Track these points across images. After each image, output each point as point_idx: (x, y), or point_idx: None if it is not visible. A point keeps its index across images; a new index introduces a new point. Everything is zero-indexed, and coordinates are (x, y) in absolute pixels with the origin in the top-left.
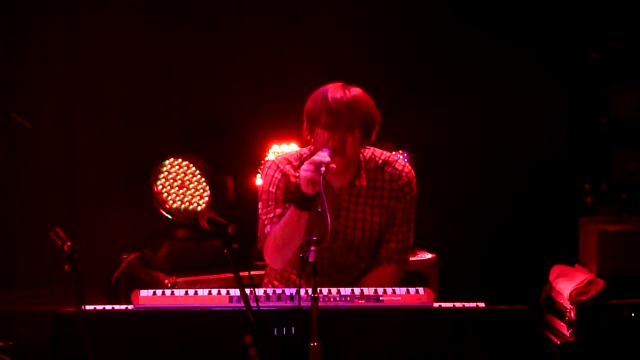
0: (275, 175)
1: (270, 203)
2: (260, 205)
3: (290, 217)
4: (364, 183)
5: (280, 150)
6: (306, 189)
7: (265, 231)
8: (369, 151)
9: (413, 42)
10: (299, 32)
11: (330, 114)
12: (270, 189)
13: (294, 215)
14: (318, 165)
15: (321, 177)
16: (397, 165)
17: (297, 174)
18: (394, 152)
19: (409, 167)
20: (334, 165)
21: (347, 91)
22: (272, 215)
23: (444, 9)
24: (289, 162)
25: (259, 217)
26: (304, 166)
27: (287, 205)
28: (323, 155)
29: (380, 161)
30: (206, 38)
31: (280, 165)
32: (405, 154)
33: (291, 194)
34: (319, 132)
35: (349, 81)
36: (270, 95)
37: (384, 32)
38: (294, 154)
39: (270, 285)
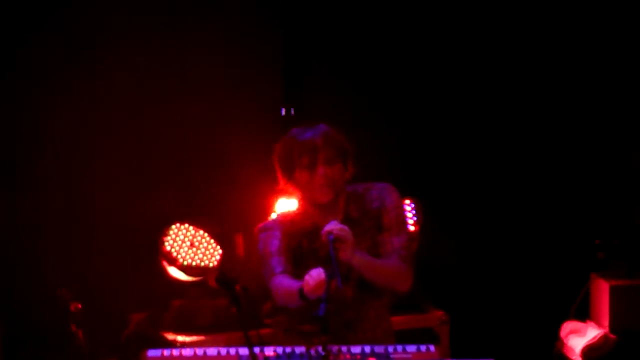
0: (274, 233)
1: (272, 255)
2: (263, 260)
3: (293, 295)
4: (355, 215)
5: (288, 203)
6: (310, 296)
7: (272, 272)
8: (351, 187)
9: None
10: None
11: (309, 152)
12: (272, 246)
13: (297, 298)
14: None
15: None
16: (377, 186)
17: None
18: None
19: (387, 184)
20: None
21: (316, 129)
22: (276, 258)
23: None
24: (282, 223)
25: (262, 266)
26: (312, 274)
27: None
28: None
29: (361, 190)
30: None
31: (275, 225)
32: (413, 204)
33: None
34: (300, 174)
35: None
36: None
37: None
38: (280, 215)
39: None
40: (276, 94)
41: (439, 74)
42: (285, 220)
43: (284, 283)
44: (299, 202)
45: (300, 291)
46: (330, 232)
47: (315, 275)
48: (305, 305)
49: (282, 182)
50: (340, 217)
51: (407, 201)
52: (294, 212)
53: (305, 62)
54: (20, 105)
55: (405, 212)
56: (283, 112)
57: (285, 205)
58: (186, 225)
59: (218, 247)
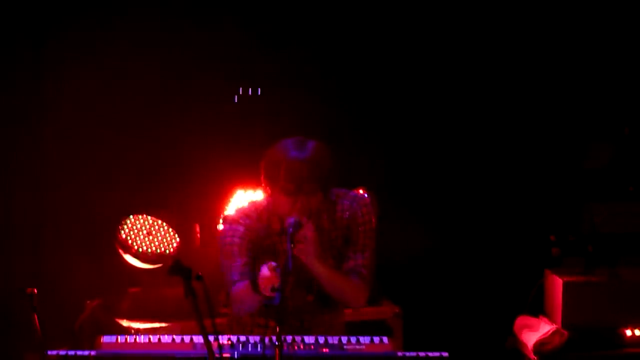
0: (236, 228)
1: (232, 257)
2: (223, 261)
3: (249, 293)
4: (325, 226)
5: (245, 195)
6: (266, 293)
7: (230, 280)
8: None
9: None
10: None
11: (292, 180)
12: (233, 241)
13: (254, 294)
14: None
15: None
16: (350, 196)
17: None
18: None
19: (364, 196)
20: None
21: (304, 151)
22: (236, 264)
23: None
24: (248, 216)
25: (223, 270)
26: (264, 271)
27: (249, 254)
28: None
29: (334, 198)
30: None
31: (240, 219)
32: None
33: (253, 282)
34: (280, 196)
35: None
36: (232, 141)
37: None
38: (250, 206)
39: (230, 329)
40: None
41: (396, 60)
42: (251, 213)
43: (240, 287)
44: (267, 197)
45: (254, 284)
46: (290, 224)
47: (267, 266)
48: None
49: (263, 187)
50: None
51: (361, 191)
52: (261, 205)
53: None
54: None
55: (374, 227)
56: (236, 99)
57: (243, 197)
58: (143, 214)
59: (175, 235)
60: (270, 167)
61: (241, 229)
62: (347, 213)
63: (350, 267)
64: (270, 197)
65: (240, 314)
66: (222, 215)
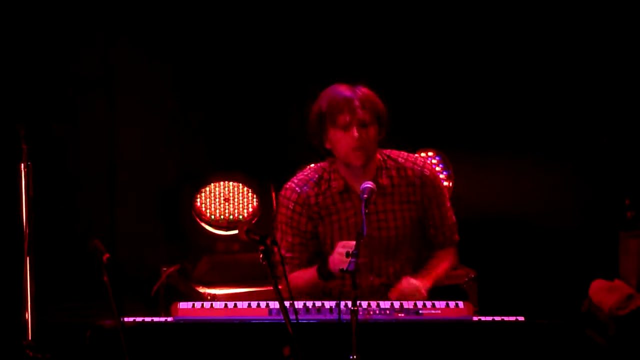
0: (296, 202)
1: (288, 231)
2: (277, 234)
3: (313, 280)
4: (386, 181)
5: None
6: (335, 271)
7: (285, 256)
8: (387, 152)
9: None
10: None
11: (346, 112)
12: (292, 216)
13: (318, 281)
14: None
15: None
16: (417, 162)
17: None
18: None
19: (429, 163)
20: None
21: (355, 89)
22: (291, 242)
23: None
24: (307, 182)
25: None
26: (338, 249)
27: (307, 234)
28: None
29: (400, 159)
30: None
31: (298, 189)
32: (439, 157)
33: (319, 266)
34: (335, 133)
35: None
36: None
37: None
38: (312, 174)
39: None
40: None
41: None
42: (311, 178)
43: (298, 277)
44: (330, 160)
45: (320, 272)
46: (364, 190)
47: (339, 247)
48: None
49: (314, 139)
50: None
51: (430, 154)
52: (323, 169)
53: None
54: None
55: (446, 192)
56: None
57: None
58: (219, 180)
59: (253, 199)
60: (319, 111)
61: (298, 207)
62: (417, 180)
63: (439, 241)
64: (326, 143)
65: (295, 293)
66: (281, 193)
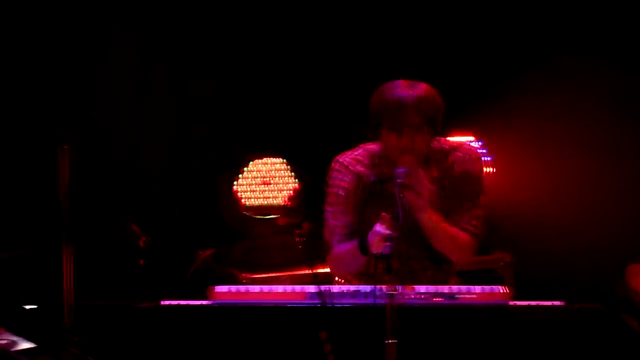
0: (344, 178)
1: (337, 207)
2: (327, 209)
3: (355, 254)
4: (435, 174)
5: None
6: (375, 251)
7: (331, 241)
8: (436, 141)
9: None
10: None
11: (398, 116)
12: (339, 192)
13: (360, 256)
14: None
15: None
16: (463, 149)
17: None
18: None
19: (475, 149)
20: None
21: (412, 89)
22: (339, 224)
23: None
24: (359, 162)
25: (324, 220)
26: (377, 228)
27: (355, 208)
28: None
29: (447, 148)
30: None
31: (349, 166)
32: (480, 143)
33: (360, 243)
34: (386, 133)
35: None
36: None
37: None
38: (363, 152)
39: (341, 281)
40: None
41: None
42: (363, 159)
43: (343, 249)
44: (381, 146)
45: (362, 245)
46: (399, 173)
47: (379, 225)
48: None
49: (369, 132)
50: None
51: (471, 138)
52: (373, 150)
53: None
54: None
55: (485, 181)
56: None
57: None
58: (258, 164)
59: (291, 183)
60: (377, 107)
61: (349, 176)
62: (460, 167)
63: (463, 221)
64: (381, 139)
65: (339, 274)
66: (335, 158)
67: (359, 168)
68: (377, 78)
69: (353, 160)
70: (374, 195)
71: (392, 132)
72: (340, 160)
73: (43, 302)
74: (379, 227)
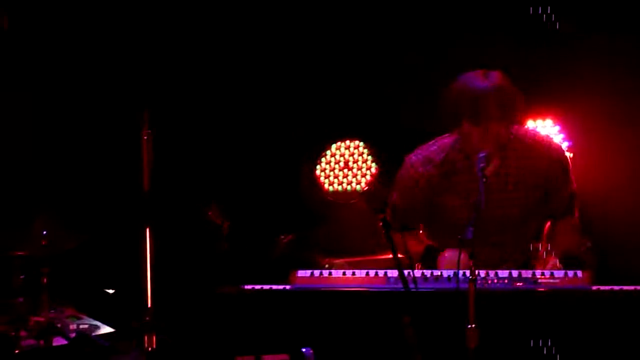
0: (413, 177)
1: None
2: (394, 195)
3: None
4: (513, 163)
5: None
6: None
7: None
8: (516, 130)
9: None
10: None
11: (476, 106)
12: (406, 189)
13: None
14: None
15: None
16: (544, 140)
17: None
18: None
19: (555, 141)
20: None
21: (489, 81)
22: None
23: None
24: (430, 160)
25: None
26: (448, 255)
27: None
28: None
29: (527, 138)
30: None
31: (420, 168)
32: (561, 128)
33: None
34: (466, 125)
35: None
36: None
37: None
38: (436, 147)
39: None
40: None
41: None
42: (434, 155)
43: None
44: (456, 137)
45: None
46: (480, 158)
47: (449, 257)
48: None
49: (448, 124)
50: (495, 167)
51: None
52: (447, 144)
53: None
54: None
55: (570, 169)
56: None
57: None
58: (346, 142)
59: (372, 167)
60: (455, 100)
61: (416, 176)
62: (545, 161)
63: (559, 212)
64: (458, 134)
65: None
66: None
67: (429, 166)
68: (454, 66)
69: (423, 158)
70: (444, 189)
71: (472, 123)
72: (412, 158)
73: (124, 287)
74: (448, 255)
